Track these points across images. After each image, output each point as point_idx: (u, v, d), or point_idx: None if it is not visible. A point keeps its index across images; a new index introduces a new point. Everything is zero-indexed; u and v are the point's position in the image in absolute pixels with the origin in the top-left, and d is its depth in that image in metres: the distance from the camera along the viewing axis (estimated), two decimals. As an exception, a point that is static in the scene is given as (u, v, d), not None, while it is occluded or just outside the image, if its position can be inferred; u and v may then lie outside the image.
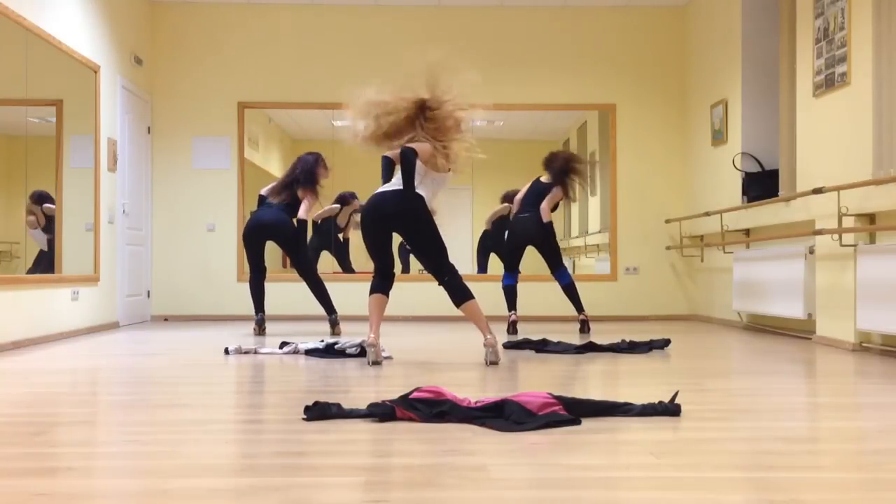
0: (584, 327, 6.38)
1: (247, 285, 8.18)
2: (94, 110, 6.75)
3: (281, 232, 6.26)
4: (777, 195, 6.24)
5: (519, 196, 6.55)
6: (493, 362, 4.25)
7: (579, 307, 6.46)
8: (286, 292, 8.24)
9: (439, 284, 4.44)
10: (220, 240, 8.24)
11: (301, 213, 6.26)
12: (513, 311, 6.37)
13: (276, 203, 6.26)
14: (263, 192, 6.47)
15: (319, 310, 6.66)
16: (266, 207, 6.32)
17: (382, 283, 4.45)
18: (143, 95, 7.95)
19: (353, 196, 8.84)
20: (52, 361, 4.65)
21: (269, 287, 8.26)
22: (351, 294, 7.54)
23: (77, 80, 6.50)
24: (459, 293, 4.38)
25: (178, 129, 8.23)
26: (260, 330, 6.22)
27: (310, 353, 4.73)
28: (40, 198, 6.06)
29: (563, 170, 6.33)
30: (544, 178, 6.44)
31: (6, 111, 5.85)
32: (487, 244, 8.99)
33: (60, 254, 6.15)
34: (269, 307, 8.15)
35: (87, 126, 6.67)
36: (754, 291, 6.50)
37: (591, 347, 4.94)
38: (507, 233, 6.59)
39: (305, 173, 6.30)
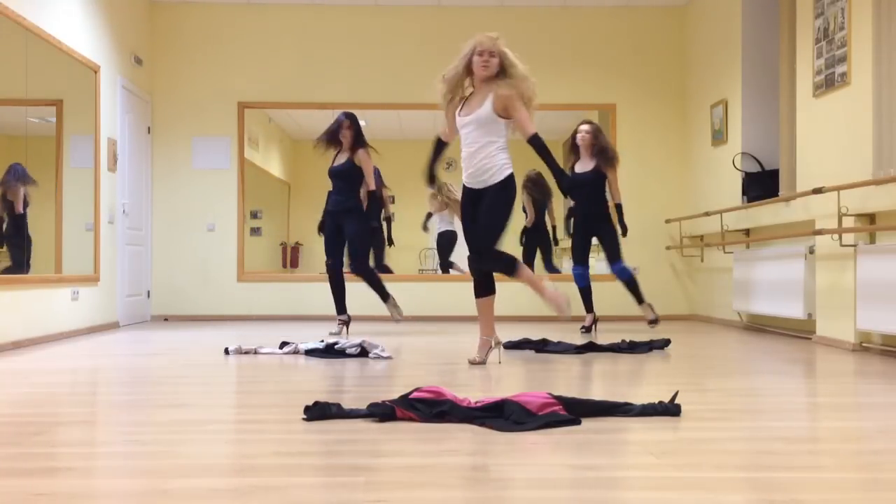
0: (653, 322, 6.43)
1: (246, 285, 8.23)
2: (94, 110, 6.75)
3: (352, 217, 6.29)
4: (777, 195, 6.24)
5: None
6: (472, 361, 4.28)
7: (640, 298, 6.49)
8: (289, 292, 8.25)
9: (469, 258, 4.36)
10: (220, 240, 8.24)
11: (373, 184, 6.24)
12: (590, 313, 6.52)
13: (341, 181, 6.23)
14: (334, 163, 6.33)
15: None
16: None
17: (484, 284, 4.31)
18: (143, 95, 7.95)
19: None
20: (52, 361, 4.65)
21: (274, 287, 8.29)
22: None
23: (77, 80, 6.50)
24: (504, 268, 4.27)
25: (178, 129, 8.23)
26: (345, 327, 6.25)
27: (310, 353, 4.74)
28: (17, 176, 5.76)
29: (604, 151, 6.38)
30: (580, 168, 6.43)
31: (6, 111, 5.85)
32: (533, 239, 8.90)
33: (60, 254, 6.15)
34: (272, 307, 8.17)
35: (87, 126, 6.67)
36: (754, 291, 6.51)
37: (591, 347, 4.95)
38: (573, 224, 6.57)
39: (358, 134, 6.25)
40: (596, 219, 6.39)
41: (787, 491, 1.91)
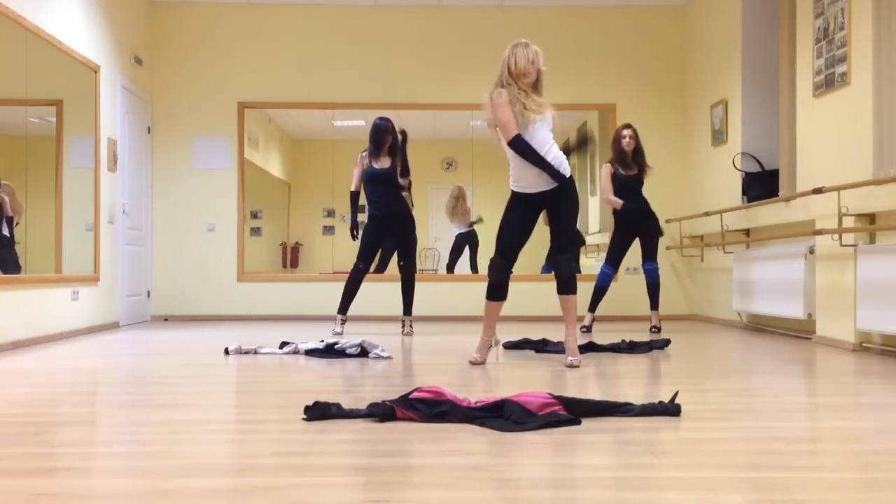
0: (656, 330, 6.43)
1: (246, 285, 8.23)
2: (94, 110, 6.75)
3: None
4: (777, 195, 6.24)
5: (607, 186, 6.55)
6: (472, 361, 4.32)
7: (656, 304, 6.58)
8: (289, 292, 8.25)
9: (557, 256, 4.31)
10: (220, 240, 8.24)
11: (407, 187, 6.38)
12: (591, 312, 6.62)
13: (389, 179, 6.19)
14: (376, 165, 6.19)
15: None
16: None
17: (502, 289, 4.34)
18: (143, 95, 7.95)
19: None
20: (52, 361, 4.65)
21: (274, 287, 8.29)
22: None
23: (77, 80, 6.50)
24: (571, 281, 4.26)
25: (177, 129, 8.23)
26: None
27: (310, 353, 4.74)
28: None
29: (643, 152, 6.59)
30: (627, 171, 6.51)
31: (6, 111, 5.85)
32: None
33: (60, 254, 6.15)
34: (272, 307, 8.17)
35: (87, 126, 6.67)
36: (754, 291, 6.51)
37: (591, 347, 4.95)
38: (617, 223, 6.64)
39: (396, 139, 6.24)
40: (644, 214, 6.49)
41: (787, 491, 1.91)
